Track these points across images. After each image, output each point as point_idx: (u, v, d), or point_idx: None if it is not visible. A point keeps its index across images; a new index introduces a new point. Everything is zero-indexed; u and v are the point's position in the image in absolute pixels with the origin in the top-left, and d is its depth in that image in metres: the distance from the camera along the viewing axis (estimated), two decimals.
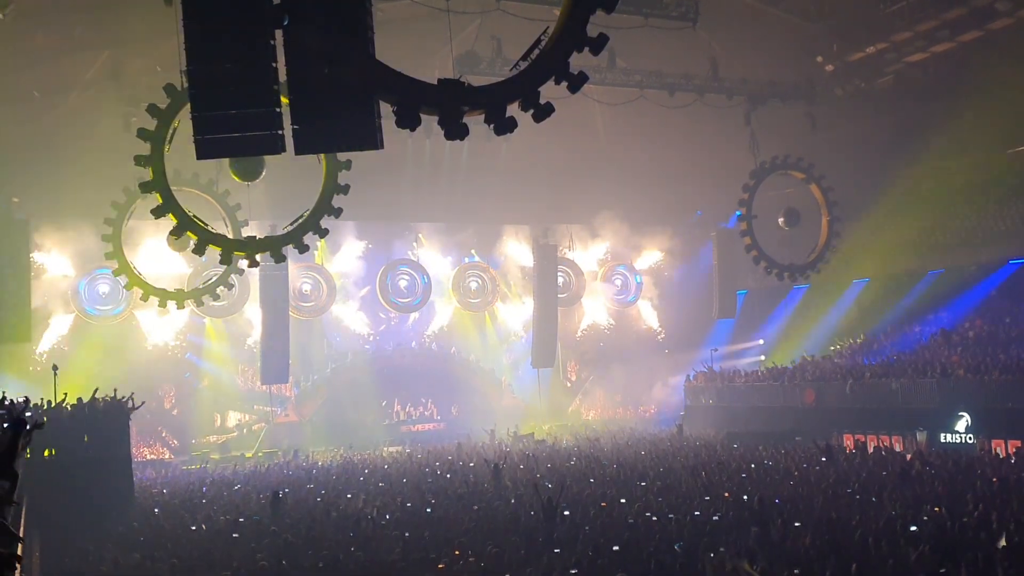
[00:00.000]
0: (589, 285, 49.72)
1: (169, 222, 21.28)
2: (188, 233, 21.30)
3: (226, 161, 22.35)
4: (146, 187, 21.18)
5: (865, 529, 16.16)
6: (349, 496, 24.71)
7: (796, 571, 13.89)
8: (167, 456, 39.42)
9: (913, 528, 16.03)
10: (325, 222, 21.93)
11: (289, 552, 17.33)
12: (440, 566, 15.68)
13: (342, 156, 21.75)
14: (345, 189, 21.94)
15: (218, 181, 29.24)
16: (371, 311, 46.25)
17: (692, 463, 27.78)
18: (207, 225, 21.91)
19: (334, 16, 13.00)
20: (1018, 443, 26.16)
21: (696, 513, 18.93)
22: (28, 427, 10.82)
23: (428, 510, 21.85)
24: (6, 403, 19.01)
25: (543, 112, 13.78)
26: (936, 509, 17.57)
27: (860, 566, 13.51)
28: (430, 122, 13.85)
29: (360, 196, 23.59)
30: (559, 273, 47.31)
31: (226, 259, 22.52)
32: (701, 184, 43.66)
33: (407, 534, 18.59)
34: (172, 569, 16.53)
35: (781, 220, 35.05)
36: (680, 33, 31.53)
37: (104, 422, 25.08)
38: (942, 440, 28.90)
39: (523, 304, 48.41)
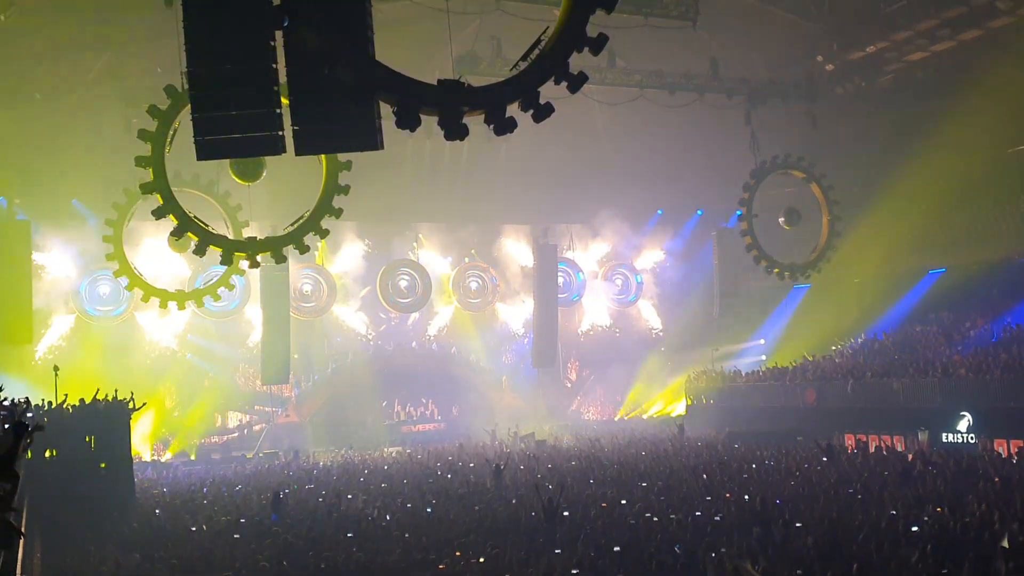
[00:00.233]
0: (589, 284, 49.69)
1: (170, 223, 21.29)
2: (189, 234, 21.31)
3: (227, 162, 22.37)
4: (147, 188, 21.20)
5: (867, 529, 16.16)
6: (350, 497, 24.70)
7: (798, 571, 13.88)
8: (168, 457, 39.39)
9: (915, 528, 16.02)
10: (326, 222, 21.94)
11: (290, 553, 17.33)
12: (441, 567, 15.67)
13: (342, 157, 21.75)
14: (345, 190, 21.95)
15: (219, 182, 29.27)
16: (371, 311, 46.26)
17: (693, 463, 27.77)
18: (208, 226, 21.92)
19: (334, 17, 12.99)
20: (1020, 443, 26.11)
21: (697, 513, 18.92)
22: (29, 429, 10.82)
23: (428, 511, 21.84)
24: (6, 404, 18.99)
25: (543, 112, 13.77)
26: (938, 509, 17.56)
27: (862, 566, 13.50)
28: (430, 123, 13.85)
29: (360, 197, 23.61)
30: (559, 273, 47.33)
31: (227, 260, 22.52)
32: (702, 183, 43.66)
33: (407, 535, 18.59)
34: (173, 570, 16.54)
35: (782, 219, 35.03)
36: (680, 32, 31.56)
37: (105, 423, 25.07)
38: (944, 440, 28.85)
39: (523, 304, 48.39)
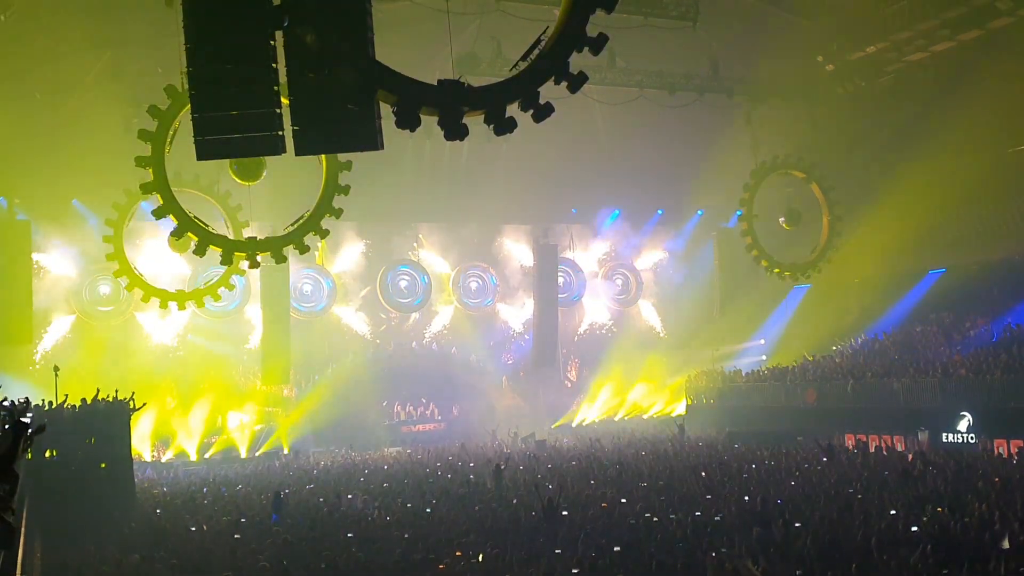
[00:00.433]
0: (589, 284, 49.69)
1: (170, 223, 21.30)
2: (189, 234, 21.33)
3: (227, 162, 22.38)
4: (147, 188, 21.22)
5: (867, 529, 16.15)
6: (350, 497, 24.71)
7: (798, 572, 13.88)
8: (168, 457, 39.37)
9: (915, 528, 16.01)
10: (326, 223, 21.96)
11: (290, 552, 17.34)
12: (441, 567, 15.67)
13: (342, 157, 21.77)
14: (345, 190, 21.97)
15: (219, 182, 29.28)
16: (371, 311, 46.24)
17: (693, 463, 27.77)
18: (208, 226, 21.94)
19: (334, 17, 12.98)
20: (1020, 443, 26.12)
21: (697, 513, 18.92)
22: (30, 430, 10.82)
23: (428, 511, 21.84)
24: (6, 404, 18.99)
25: (543, 112, 13.77)
26: (938, 509, 17.56)
27: (862, 566, 13.50)
28: (430, 123, 13.84)
29: (361, 197, 23.61)
30: (560, 273, 47.34)
31: (227, 260, 22.54)
32: (702, 183, 43.65)
33: (406, 535, 18.59)
34: (173, 569, 16.55)
35: (782, 219, 35.02)
36: (680, 32, 31.55)
37: (105, 423, 25.09)
38: (944, 440, 28.85)
39: (523, 304, 48.39)
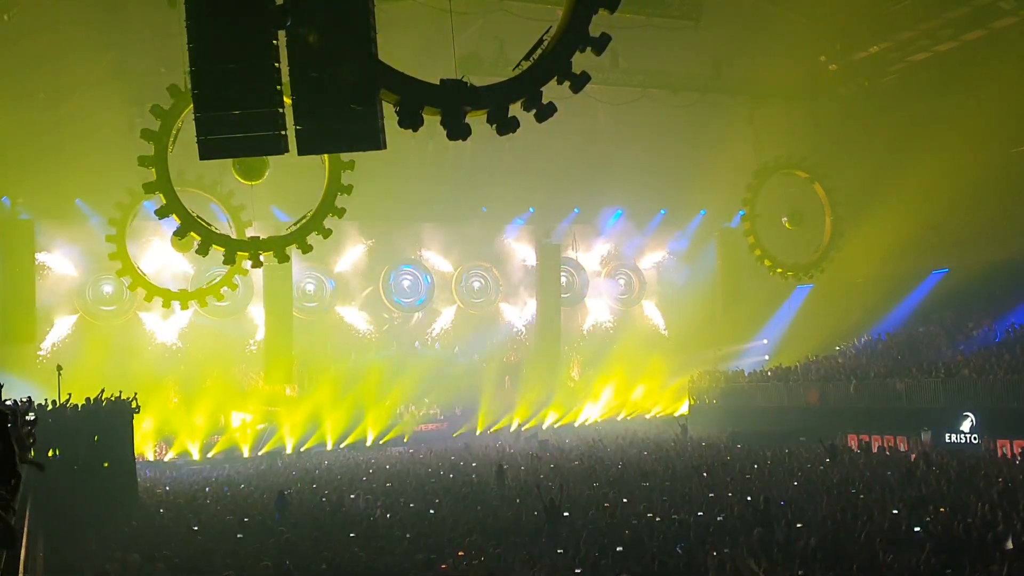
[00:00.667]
0: (592, 284, 49.68)
1: (173, 222, 21.33)
2: (192, 233, 21.36)
3: (230, 161, 22.39)
4: (150, 188, 21.24)
5: (869, 530, 16.13)
6: (352, 496, 24.72)
7: (800, 572, 13.86)
8: (171, 456, 39.41)
9: (917, 529, 15.99)
10: (328, 222, 21.97)
11: (293, 552, 17.34)
12: (443, 566, 15.67)
13: (345, 156, 21.78)
14: (348, 189, 21.98)
15: (222, 182, 29.31)
16: (374, 311, 46.24)
17: (696, 463, 27.75)
18: (210, 225, 21.97)
19: (336, 17, 12.98)
20: (1023, 443, 26.08)
21: (700, 513, 18.90)
22: (31, 428, 10.81)
23: (431, 512, 21.83)
24: (8, 404, 19.02)
25: (546, 112, 13.77)
26: (941, 510, 17.52)
27: (864, 567, 13.48)
28: (433, 122, 13.84)
29: (363, 196, 23.62)
30: (562, 273, 47.34)
31: (229, 259, 22.57)
32: (705, 183, 43.63)
33: (408, 535, 18.59)
34: (175, 569, 16.54)
35: (785, 219, 35.00)
36: (683, 32, 31.55)
37: (108, 422, 25.10)
38: (947, 440, 28.82)
39: (526, 304, 48.40)
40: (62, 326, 39.41)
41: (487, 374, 47.41)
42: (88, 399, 25.67)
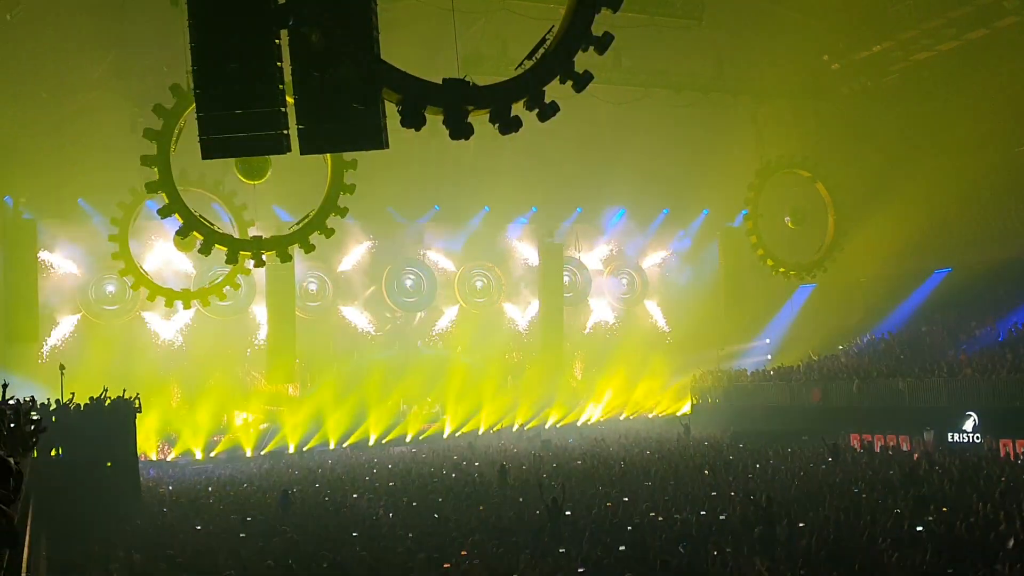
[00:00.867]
0: (595, 283, 49.68)
1: (175, 222, 21.36)
2: (194, 233, 21.39)
3: (232, 161, 22.42)
4: (152, 187, 21.28)
5: (872, 529, 16.12)
6: (355, 496, 24.73)
7: (802, 571, 13.85)
8: (174, 455, 39.45)
9: (920, 528, 15.98)
10: (331, 221, 21.98)
11: (295, 551, 17.35)
12: (446, 566, 15.67)
13: (348, 156, 21.79)
14: (351, 188, 22.00)
15: (224, 181, 29.33)
16: (376, 310, 46.26)
17: (698, 463, 27.75)
18: (213, 225, 22.00)
19: (339, 16, 12.99)
20: None
21: (702, 513, 18.91)
22: (34, 427, 10.83)
23: (434, 511, 21.84)
24: (12, 403, 19.05)
25: (548, 111, 13.77)
26: (943, 509, 17.51)
27: (866, 566, 13.47)
28: (435, 121, 13.84)
29: (366, 195, 23.63)
30: (565, 272, 47.33)
31: (232, 259, 22.60)
32: (707, 183, 43.61)
33: (410, 534, 18.60)
34: (178, 568, 16.56)
35: (787, 219, 34.97)
36: (685, 31, 31.53)
37: (111, 421, 25.14)
38: (949, 440, 28.79)
39: (529, 304, 48.40)
40: (65, 325, 39.43)
41: (489, 374, 47.43)
42: (91, 398, 25.71)
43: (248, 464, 36.68)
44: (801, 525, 16.90)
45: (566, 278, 47.83)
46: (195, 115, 14.33)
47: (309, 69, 13.37)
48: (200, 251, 22.05)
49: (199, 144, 14.36)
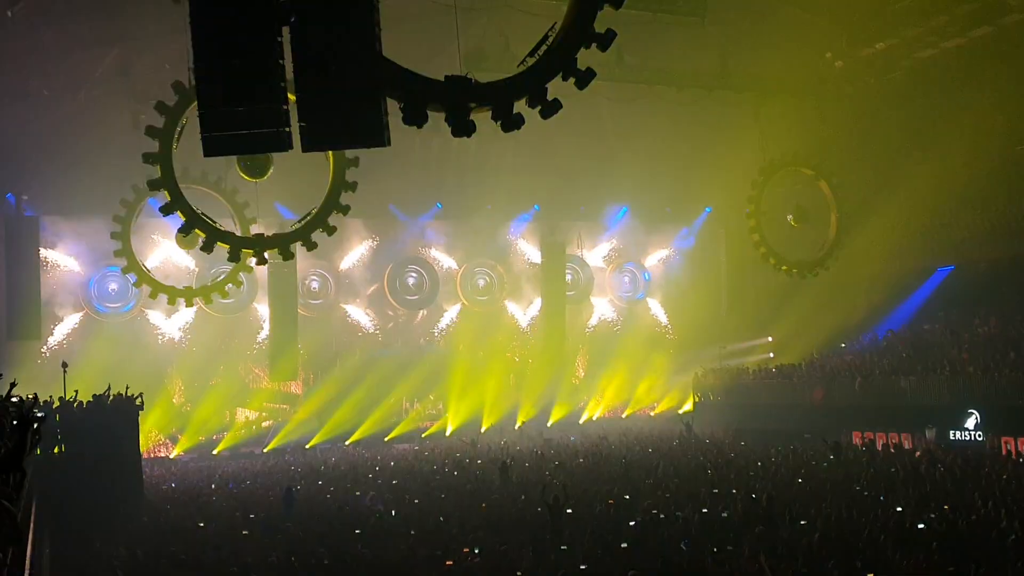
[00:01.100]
0: (597, 281, 49.69)
1: (178, 219, 21.34)
2: (196, 231, 21.36)
3: (234, 158, 22.40)
4: (154, 185, 21.26)
5: (873, 527, 16.11)
6: (358, 493, 24.75)
7: (804, 569, 13.85)
8: (176, 453, 39.53)
9: (921, 526, 15.97)
10: (333, 219, 21.97)
11: (298, 549, 17.37)
12: (448, 563, 15.68)
13: (350, 153, 21.76)
14: (353, 186, 21.97)
15: (226, 179, 29.32)
16: (379, 308, 46.28)
17: (700, 461, 27.75)
18: (215, 222, 21.98)
19: (341, 13, 12.97)
20: None
21: (704, 511, 18.90)
22: (36, 425, 10.83)
23: (436, 508, 21.85)
24: (15, 400, 19.05)
25: (550, 109, 13.75)
26: (945, 507, 17.50)
27: (868, 564, 13.46)
28: (437, 119, 13.83)
29: (368, 193, 23.61)
30: (567, 270, 47.33)
31: (234, 256, 22.59)
32: (710, 180, 43.55)
33: (413, 532, 18.61)
34: (181, 566, 16.58)
35: (790, 217, 34.89)
36: (688, 28, 31.45)
37: (113, 419, 25.14)
38: (951, 437, 28.78)
39: (531, 302, 48.40)
40: (67, 323, 39.49)
41: (491, 372, 47.46)
42: (94, 396, 25.71)
43: (251, 461, 36.71)
44: (803, 523, 16.89)
45: (568, 276, 47.83)
46: (197, 112, 14.31)
47: (311, 66, 13.35)
48: (202, 249, 22.02)
49: (201, 141, 14.34)
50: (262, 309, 41.71)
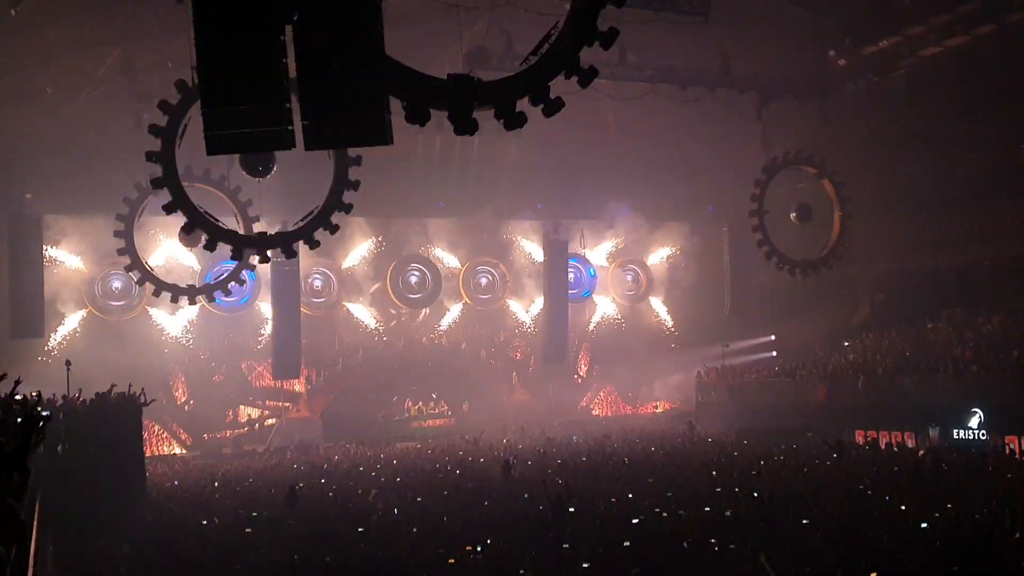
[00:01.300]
0: (599, 280, 49.69)
1: (180, 218, 21.36)
2: (199, 229, 21.38)
3: (237, 157, 22.43)
4: (157, 183, 21.28)
5: (876, 526, 16.10)
6: (360, 492, 24.76)
7: (807, 568, 13.84)
8: (180, 451, 39.56)
9: (924, 525, 15.96)
10: (335, 218, 21.98)
11: (301, 547, 17.38)
12: (451, 561, 15.69)
13: (352, 152, 21.78)
14: (355, 185, 21.98)
15: (229, 177, 29.35)
16: (381, 307, 46.30)
17: (703, 459, 27.73)
18: (218, 221, 22.00)
19: (344, 12, 12.99)
20: None
21: (707, 509, 18.90)
22: (41, 423, 10.84)
23: (439, 506, 21.86)
24: (18, 399, 19.08)
25: (553, 107, 13.77)
26: (948, 506, 17.48)
27: (871, 562, 13.45)
28: (440, 117, 13.84)
29: (370, 191, 23.62)
30: (570, 269, 47.34)
31: (237, 255, 22.61)
32: (713, 179, 43.51)
33: (415, 529, 18.62)
34: (185, 564, 16.60)
35: (793, 216, 34.90)
36: (691, 27, 31.45)
37: (116, 418, 25.15)
38: (955, 436, 28.71)
39: (533, 301, 48.41)
40: (71, 321, 39.53)
41: (494, 370, 47.49)
42: (97, 394, 25.72)
43: (254, 459, 36.73)
44: (805, 522, 16.88)
45: (571, 274, 47.82)
46: (200, 111, 14.33)
47: (314, 65, 13.37)
48: (205, 247, 22.06)
49: (204, 140, 14.36)
50: (265, 307, 41.74)
